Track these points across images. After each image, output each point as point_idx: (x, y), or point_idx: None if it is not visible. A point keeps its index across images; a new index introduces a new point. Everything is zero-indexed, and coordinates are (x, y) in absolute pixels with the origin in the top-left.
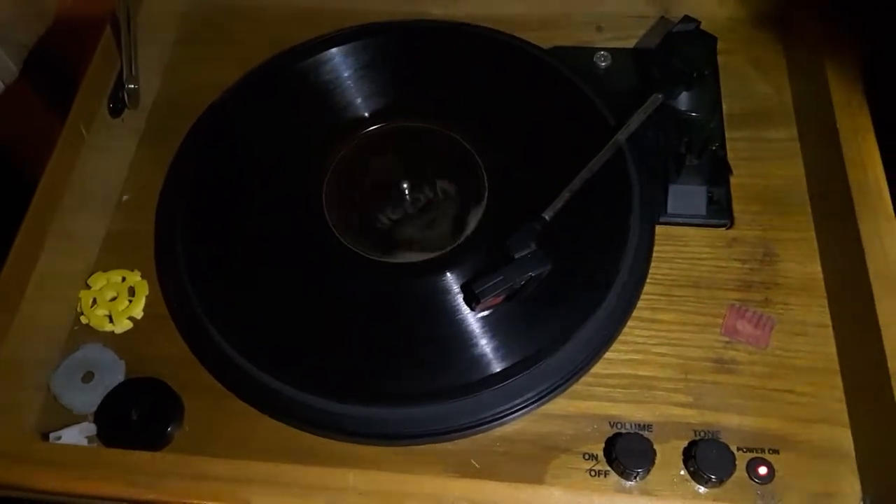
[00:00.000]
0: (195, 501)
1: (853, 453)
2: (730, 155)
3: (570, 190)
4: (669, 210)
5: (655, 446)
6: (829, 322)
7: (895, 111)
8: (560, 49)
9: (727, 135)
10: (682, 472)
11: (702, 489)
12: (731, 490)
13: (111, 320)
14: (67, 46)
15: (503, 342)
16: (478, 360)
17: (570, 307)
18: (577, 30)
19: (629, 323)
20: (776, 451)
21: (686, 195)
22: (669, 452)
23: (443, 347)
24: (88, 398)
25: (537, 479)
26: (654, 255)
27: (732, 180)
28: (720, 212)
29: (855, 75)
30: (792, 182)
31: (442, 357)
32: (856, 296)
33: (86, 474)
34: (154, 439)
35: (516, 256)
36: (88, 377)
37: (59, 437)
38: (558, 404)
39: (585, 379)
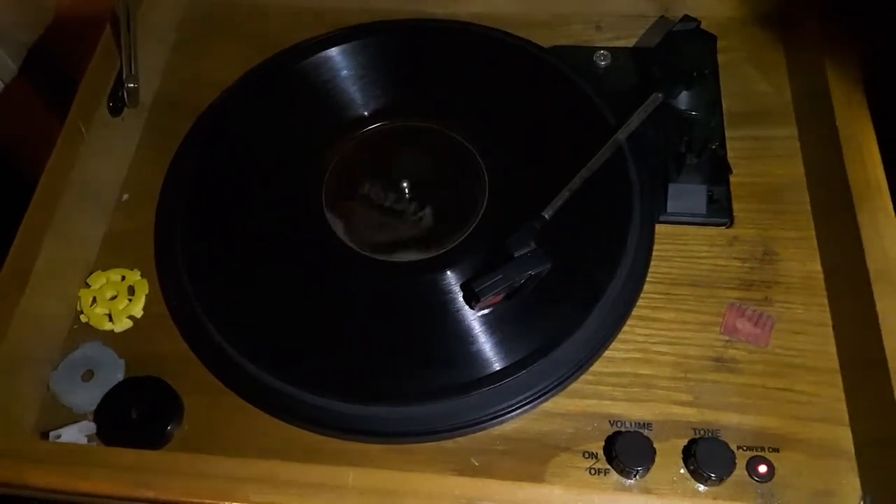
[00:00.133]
0: (195, 500)
1: (853, 452)
2: (730, 154)
3: (570, 189)
4: (669, 209)
5: (655, 445)
6: (828, 321)
7: (895, 111)
8: (560, 48)
9: (727, 134)
10: (682, 471)
11: (701, 488)
12: (731, 488)
13: (111, 319)
14: (67, 45)
15: (503, 340)
16: (477, 359)
17: (570, 306)
18: (577, 29)
19: (629, 321)
20: (776, 450)
21: (686, 194)
22: (669, 451)
23: (443, 346)
24: (88, 397)
25: (537, 478)
26: (654, 253)
27: (732, 179)
28: (720, 211)
29: (855, 74)
30: (792, 181)
31: (442, 355)
32: (856, 294)
33: (85, 473)
34: (154, 438)
35: (516, 255)
36: (88, 376)
37: (59, 436)
38: (558, 403)
39: (585, 377)
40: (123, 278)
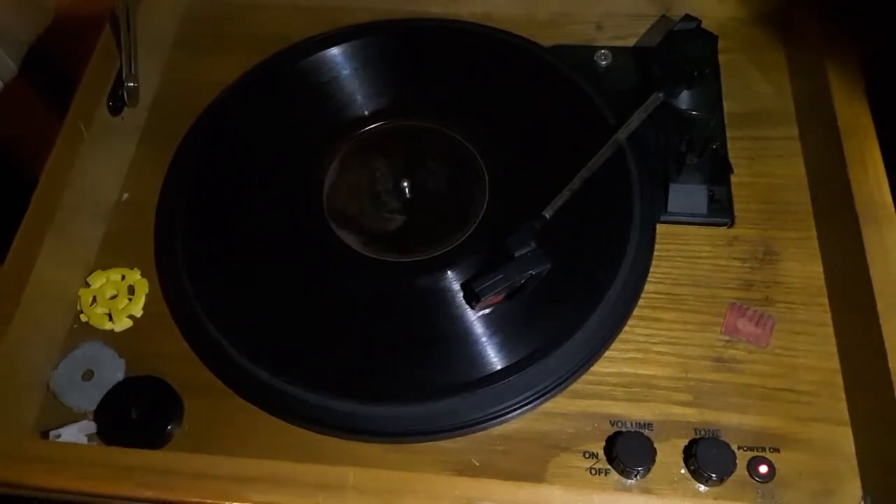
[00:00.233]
0: (195, 499)
1: (853, 452)
2: (730, 154)
3: (571, 189)
4: (670, 209)
5: (656, 445)
6: (829, 321)
7: (895, 111)
8: (560, 48)
9: (728, 134)
10: (683, 471)
11: (702, 488)
12: (732, 489)
13: (111, 318)
14: (67, 45)
15: (503, 340)
16: (478, 359)
17: (571, 305)
18: (578, 28)
19: (629, 321)
20: (777, 450)
21: (687, 194)
22: (670, 451)
23: (443, 346)
24: (88, 396)
25: (537, 478)
26: (655, 253)
27: (733, 179)
28: (721, 211)
29: (855, 74)
30: (793, 181)
31: (442, 355)
32: (856, 294)
33: (85, 473)
34: (154, 438)
35: (516, 255)
36: (88, 375)
37: (59, 436)
38: (558, 403)
39: (586, 377)
40: (123, 278)
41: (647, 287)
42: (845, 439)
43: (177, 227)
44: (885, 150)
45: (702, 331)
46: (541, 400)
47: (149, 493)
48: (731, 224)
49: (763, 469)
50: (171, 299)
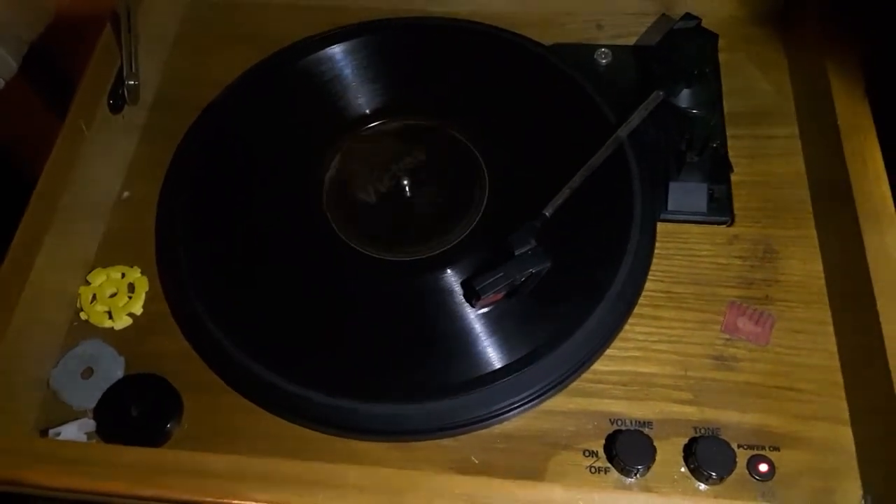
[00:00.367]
0: (195, 498)
1: (854, 451)
2: (730, 152)
3: (571, 187)
4: (670, 207)
5: (656, 443)
6: (829, 319)
7: (895, 110)
8: (561, 46)
9: (728, 132)
10: (683, 470)
11: (702, 486)
12: (732, 487)
13: (111, 316)
14: (67, 44)
15: (503, 339)
16: (478, 357)
17: (571, 304)
18: (578, 27)
19: (630, 320)
20: (777, 449)
21: (687, 192)
22: (670, 449)
23: (443, 344)
24: (88, 394)
25: (538, 476)
26: (655, 252)
27: (733, 178)
28: (721, 209)
29: (856, 73)
30: (793, 179)
31: (442, 354)
32: (856, 293)
33: (85, 471)
34: (153, 436)
35: (516, 253)
36: (88, 373)
37: (59, 434)
38: (559, 401)
39: (586, 376)
40: (123, 276)
41: (647, 285)
42: (845, 438)
43: (177, 226)
44: (885, 150)
45: (702, 329)
46: (541, 398)
47: (148, 492)
48: (731, 222)
49: (763, 467)
50: (171, 297)
